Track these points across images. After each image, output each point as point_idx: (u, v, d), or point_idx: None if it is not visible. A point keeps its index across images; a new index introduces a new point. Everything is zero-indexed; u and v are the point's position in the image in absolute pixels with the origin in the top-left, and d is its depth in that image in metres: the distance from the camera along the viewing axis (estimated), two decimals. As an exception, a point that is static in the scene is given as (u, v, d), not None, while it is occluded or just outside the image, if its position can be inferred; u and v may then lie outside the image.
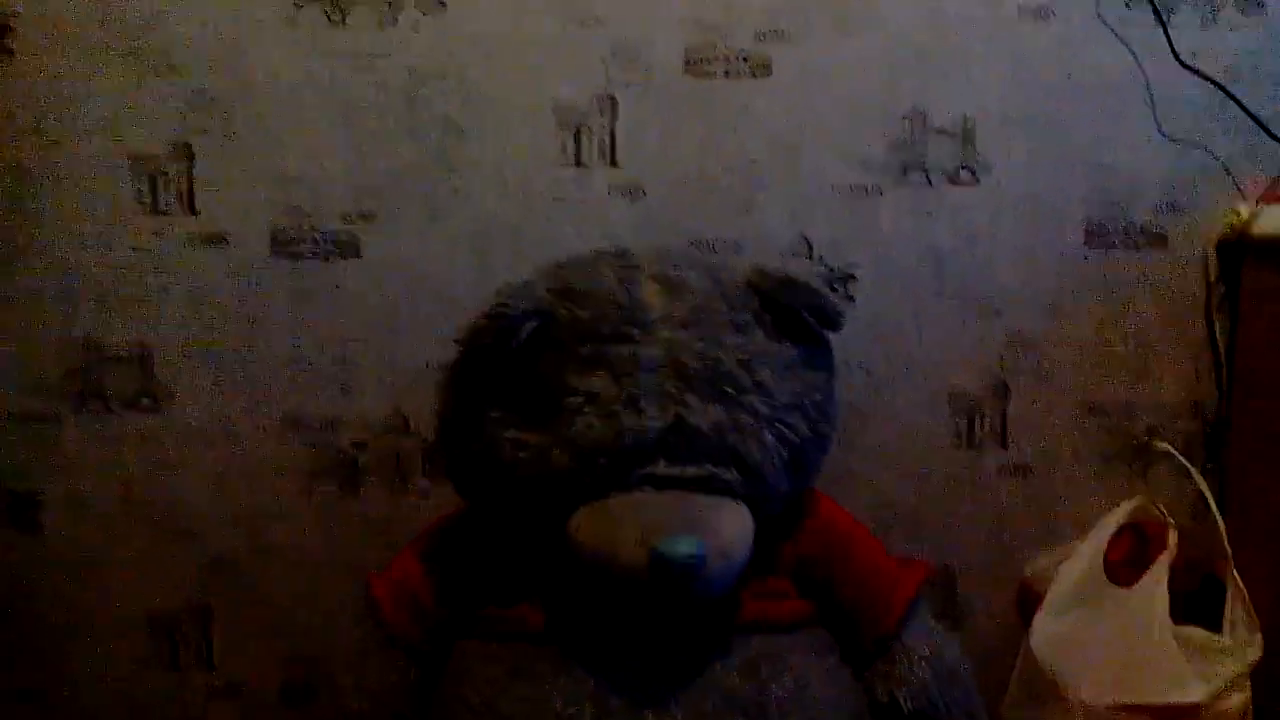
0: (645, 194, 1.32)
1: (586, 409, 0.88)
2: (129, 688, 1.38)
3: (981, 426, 1.34)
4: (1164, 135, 1.31)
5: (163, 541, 1.36)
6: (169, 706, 1.38)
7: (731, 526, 0.88)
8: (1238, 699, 1.09)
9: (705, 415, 0.88)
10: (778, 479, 0.92)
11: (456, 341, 0.94)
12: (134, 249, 1.32)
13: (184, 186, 1.32)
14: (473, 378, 0.95)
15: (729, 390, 0.89)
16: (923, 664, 0.98)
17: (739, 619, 0.93)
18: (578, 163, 1.31)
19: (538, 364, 0.91)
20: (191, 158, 1.31)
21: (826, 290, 0.96)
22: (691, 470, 0.88)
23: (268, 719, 1.38)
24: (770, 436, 0.91)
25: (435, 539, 1.03)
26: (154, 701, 1.38)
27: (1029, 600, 1.21)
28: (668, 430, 0.87)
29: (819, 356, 0.98)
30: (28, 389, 1.34)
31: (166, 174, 1.31)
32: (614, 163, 1.31)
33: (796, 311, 0.94)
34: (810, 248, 1.32)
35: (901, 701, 0.96)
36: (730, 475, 0.89)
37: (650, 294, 0.92)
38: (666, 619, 0.89)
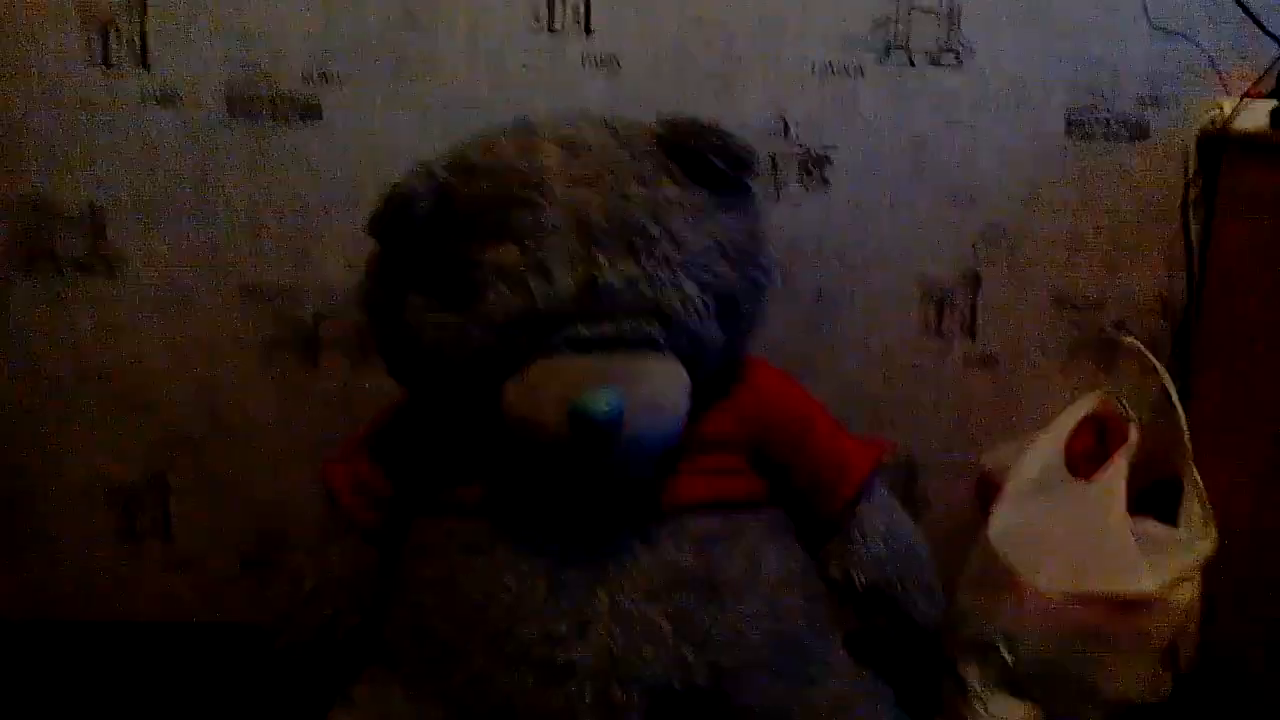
0: (620, 67, 1.27)
1: (497, 281, 0.86)
2: (85, 560, 1.38)
3: (951, 316, 1.34)
4: (1152, 25, 1.28)
5: (117, 411, 1.34)
6: (126, 578, 1.38)
7: (658, 379, 0.86)
8: (1188, 591, 1.11)
9: (617, 271, 0.86)
10: (707, 329, 0.90)
11: (365, 230, 0.91)
12: (83, 103, 1.26)
13: (137, 39, 1.25)
14: (388, 263, 0.93)
15: (638, 242, 0.87)
16: (877, 540, 0.98)
17: (689, 496, 0.92)
18: (550, 29, 1.26)
19: (445, 243, 0.88)
20: (145, 8, 1.25)
21: (733, 133, 0.92)
22: (610, 328, 0.86)
23: (226, 591, 1.38)
24: (689, 284, 0.88)
25: (382, 425, 1.02)
26: (111, 573, 1.38)
27: (987, 490, 1.22)
28: (580, 291, 0.85)
29: (739, 201, 0.95)
30: (-26, 250, 1.29)
31: (118, 26, 1.25)
32: (589, 30, 1.26)
33: (704, 156, 0.90)
34: (787, 128, 1.28)
35: (855, 578, 0.97)
36: (652, 328, 0.87)
37: (549, 157, 0.89)
38: (602, 482, 0.89)
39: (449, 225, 0.88)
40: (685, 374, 0.88)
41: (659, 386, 0.86)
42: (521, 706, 0.86)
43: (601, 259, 0.86)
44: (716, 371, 0.95)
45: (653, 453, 0.88)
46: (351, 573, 0.98)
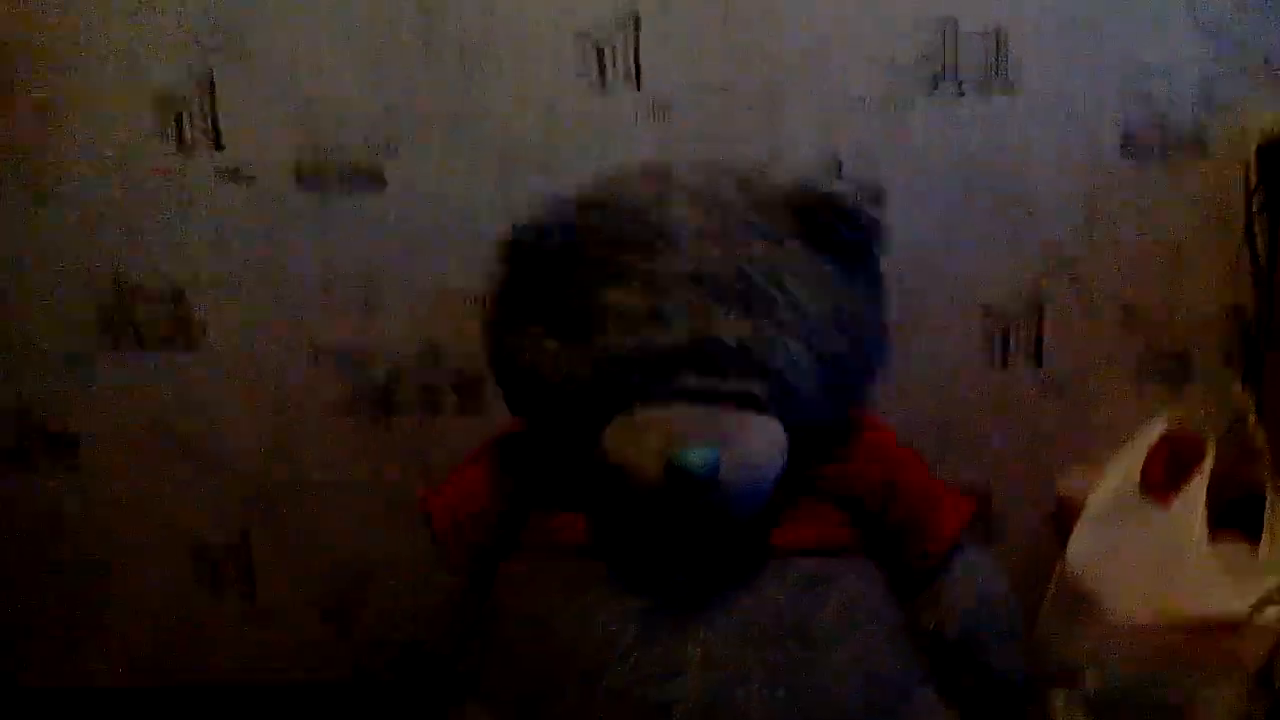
0: (670, 115, 1.29)
1: (614, 323, 0.88)
2: (172, 620, 1.42)
3: (1015, 341, 1.33)
4: (1203, 32, 1.26)
5: (200, 475, 1.38)
6: (212, 635, 1.42)
7: (757, 438, 0.87)
8: (1277, 611, 1.08)
9: (731, 329, 0.87)
10: (811, 394, 0.91)
11: (495, 256, 0.94)
12: (160, 184, 1.32)
13: (208, 119, 1.31)
14: (509, 290, 0.96)
15: (757, 304, 0.88)
16: (969, 595, 0.98)
17: (785, 543, 0.92)
18: (601, 82, 1.29)
19: (569, 276, 0.90)
20: (213, 91, 1.30)
21: (860, 205, 0.93)
22: (717, 383, 0.87)
23: (309, 643, 1.41)
24: (800, 349, 0.90)
25: (484, 456, 1.03)
26: (197, 631, 1.42)
27: (1065, 517, 1.20)
28: (693, 344, 0.87)
29: (860, 272, 0.96)
30: (60, 327, 1.35)
31: (190, 109, 1.31)
32: (638, 84, 1.28)
33: (833, 226, 0.92)
34: (839, 162, 1.29)
35: (945, 632, 0.97)
36: (758, 389, 0.88)
37: (681, 207, 0.91)
38: (694, 533, 0.89)
39: (576, 261, 0.90)
40: (784, 435, 0.89)
41: (757, 446, 0.87)
42: (614, 745, 0.86)
43: (719, 315, 0.87)
44: (821, 431, 0.95)
45: (746, 509, 0.88)
46: (444, 600, 0.99)
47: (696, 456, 0.82)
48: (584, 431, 0.90)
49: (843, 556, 0.95)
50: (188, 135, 1.31)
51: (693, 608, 0.88)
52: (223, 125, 1.31)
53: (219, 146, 1.31)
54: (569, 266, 0.91)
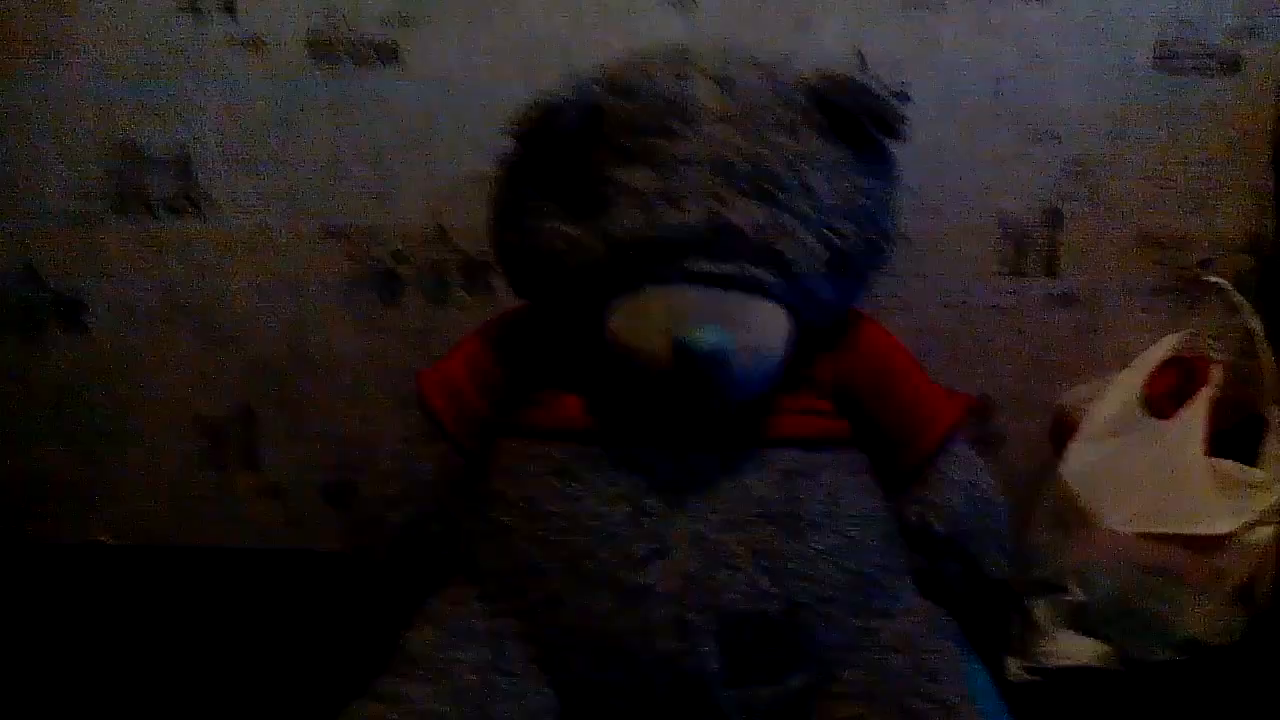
0: (697, 5, 1.27)
1: (625, 201, 0.87)
2: (176, 487, 1.44)
3: (1031, 254, 1.31)
4: (1245, -48, 1.23)
5: (206, 346, 1.39)
6: (215, 505, 1.44)
7: (765, 324, 0.87)
8: (1266, 532, 1.09)
9: (745, 214, 0.87)
10: (820, 284, 0.91)
11: (507, 133, 0.92)
12: (171, 51, 1.30)
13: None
14: (520, 169, 0.94)
15: (772, 190, 0.87)
16: (956, 491, 0.98)
17: (775, 433, 0.93)
18: (625, -33, 1.26)
19: (583, 156, 0.89)
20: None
21: (888, 96, 0.92)
22: (728, 267, 0.87)
23: (310, 518, 1.43)
24: (813, 239, 0.89)
25: (485, 334, 1.03)
26: (200, 500, 1.44)
27: (1064, 428, 1.21)
28: (705, 227, 0.86)
29: (877, 164, 0.95)
30: (70, 191, 1.35)
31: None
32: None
33: (853, 115, 0.90)
34: (864, 64, 1.27)
35: (931, 525, 0.97)
36: (768, 275, 0.88)
37: (701, 90, 0.89)
38: (697, 415, 0.90)
39: (591, 139, 0.89)
40: (791, 322, 0.89)
41: (765, 330, 0.87)
42: (596, 626, 0.88)
43: (731, 199, 0.87)
44: (821, 322, 0.95)
45: (750, 393, 0.88)
46: (438, 480, 1.00)
47: (709, 337, 0.82)
48: (590, 311, 0.89)
49: (832, 448, 0.95)
50: (202, 2, 1.29)
51: (681, 492, 0.89)
52: (238, -8, 1.28)
53: (232, 13, 1.29)
54: (583, 145, 0.89)
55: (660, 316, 0.85)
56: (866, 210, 0.93)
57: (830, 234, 0.90)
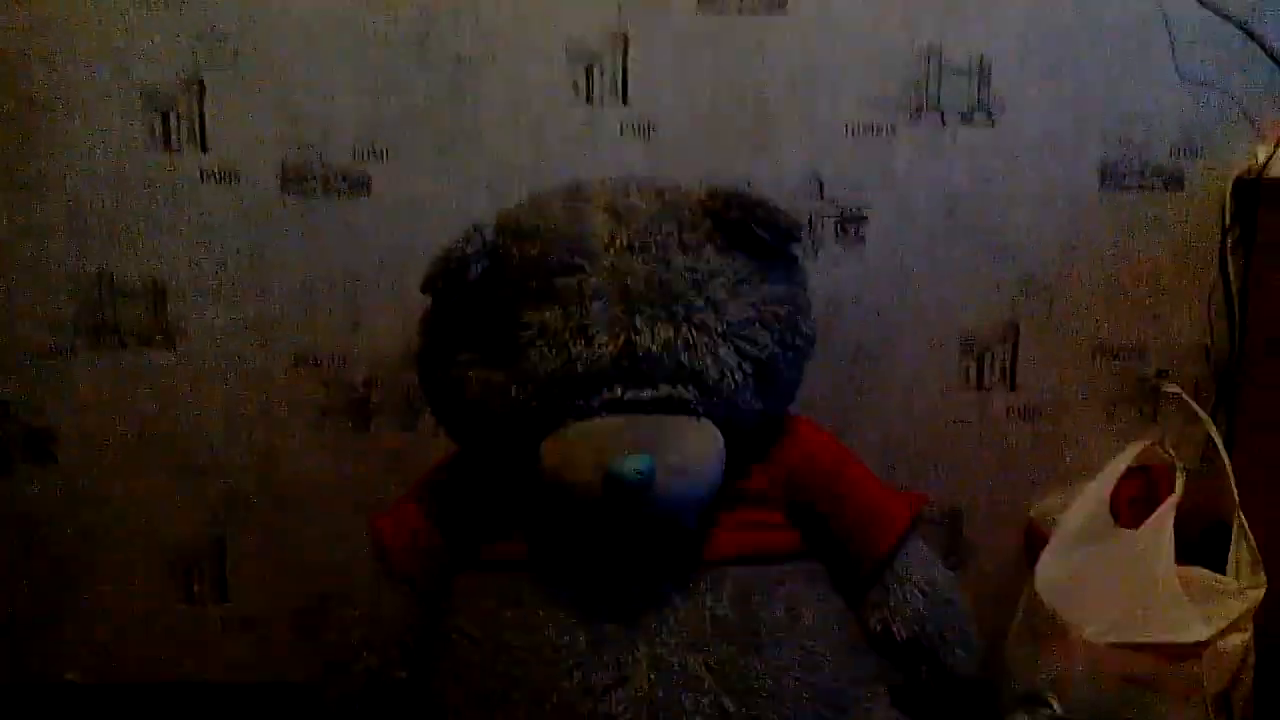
0: (657, 132, 1.31)
1: (539, 342, 0.89)
2: (146, 621, 1.41)
3: (991, 369, 1.34)
4: (1182, 76, 1.29)
5: (177, 477, 1.38)
6: (185, 638, 1.41)
7: (690, 443, 0.88)
8: (1239, 639, 1.10)
9: (655, 337, 0.89)
10: (743, 395, 0.92)
11: (420, 288, 0.95)
12: (143, 183, 1.32)
13: (196, 121, 1.31)
14: (438, 320, 0.97)
15: (679, 310, 0.90)
16: (916, 592, 0.98)
17: (727, 550, 0.93)
18: (589, 100, 1.30)
19: (492, 302, 0.92)
20: (203, 92, 1.30)
21: (777, 204, 0.94)
22: (648, 393, 0.89)
23: (282, 650, 1.40)
24: (728, 352, 0.91)
25: (431, 480, 1.05)
26: (170, 633, 1.41)
27: (1035, 540, 1.22)
28: (619, 356, 0.88)
29: (782, 271, 0.97)
30: (42, 324, 1.35)
31: (178, 110, 1.31)
32: (625, 100, 1.30)
33: (748, 226, 0.93)
34: (822, 187, 1.31)
35: (894, 630, 0.97)
36: (688, 394, 0.89)
37: (598, 223, 0.92)
38: (633, 540, 0.90)
39: (498, 286, 0.92)
40: (719, 437, 0.90)
41: (691, 451, 0.88)
42: (565, 759, 0.86)
43: (641, 325, 0.89)
44: (755, 431, 0.96)
45: (683, 513, 0.89)
46: (399, 625, 1.00)
47: (630, 464, 0.83)
48: (516, 451, 0.91)
49: (786, 560, 0.96)
50: (174, 136, 1.32)
51: (637, 617, 0.89)
52: (209, 127, 1.31)
53: (205, 148, 1.32)
54: (490, 291, 0.92)
55: (586, 450, 0.86)
56: (780, 317, 0.95)
57: (745, 344, 0.92)
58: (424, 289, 0.94)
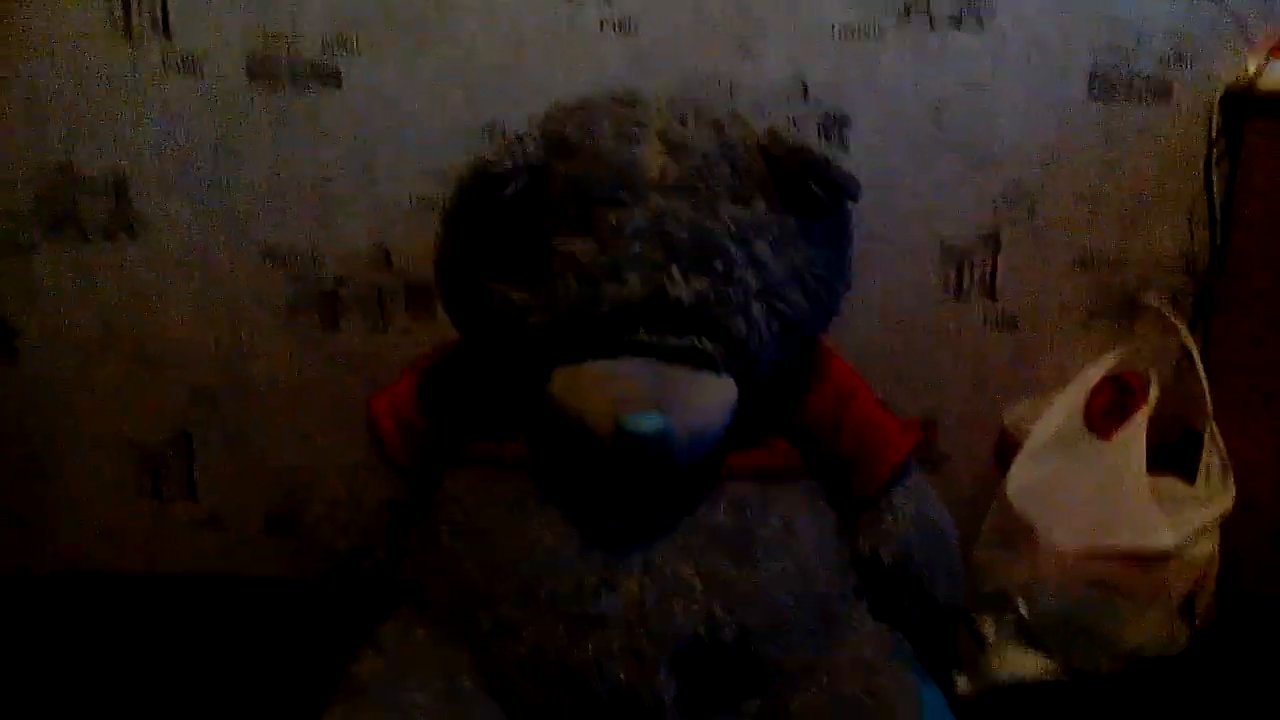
0: (638, 30, 1.27)
1: (569, 272, 0.85)
2: (112, 517, 1.40)
3: (971, 277, 1.33)
4: (1176, -16, 1.27)
5: (142, 372, 1.36)
6: (153, 536, 1.40)
7: (707, 401, 0.86)
8: (1206, 546, 1.11)
9: (689, 287, 0.85)
10: (765, 351, 0.90)
11: (452, 198, 0.91)
12: (105, 73, 1.28)
13: (158, 8, 1.27)
14: (464, 225, 0.92)
15: (718, 263, 0.86)
16: (907, 522, 0.98)
17: (730, 468, 0.92)
18: (569, -8, 1.26)
19: (528, 219, 0.87)
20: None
21: (838, 163, 0.89)
22: (671, 341, 0.86)
23: (251, 548, 1.40)
24: (759, 312, 0.88)
25: (432, 367, 1.02)
26: (137, 531, 1.40)
27: (1007, 448, 1.22)
28: (648, 300, 0.85)
29: (829, 229, 0.93)
30: (2, 216, 1.32)
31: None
32: (607, -2, 1.26)
33: (806, 185, 0.88)
34: (806, 90, 1.28)
35: (882, 555, 0.97)
36: (712, 348, 0.86)
37: (650, 154, 0.87)
38: (640, 487, 0.89)
39: (534, 203, 0.87)
40: (735, 393, 0.87)
41: (707, 407, 0.86)
42: (549, 655, 0.87)
43: (677, 274, 0.85)
44: (770, 380, 0.94)
45: (688, 463, 0.86)
46: (385, 508, 0.99)
47: (647, 425, 0.80)
48: (530, 371, 0.88)
49: (784, 477, 0.95)
50: (136, 23, 1.27)
51: (632, 523, 0.88)
52: (172, 15, 1.27)
53: (168, 35, 1.27)
54: (529, 210, 0.87)
55: (602, 394, 0.84)
56: (819, 279, 0.92)
57: (779, 304, 0.89)
58: (458, 194, 0.89)
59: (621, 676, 0.85)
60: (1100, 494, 1.12)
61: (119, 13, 1.27)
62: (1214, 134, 1.28)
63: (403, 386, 1.01)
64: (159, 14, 1.27)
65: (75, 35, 1.27)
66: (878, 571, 0.98)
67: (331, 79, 1.28)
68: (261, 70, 1.28)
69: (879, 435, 1.00)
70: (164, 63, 1.28)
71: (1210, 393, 1.16)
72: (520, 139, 0.87)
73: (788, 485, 0.95)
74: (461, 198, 0.89)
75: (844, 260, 0.96)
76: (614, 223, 0.85)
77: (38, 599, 1.34)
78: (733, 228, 0.86)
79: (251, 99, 1.29)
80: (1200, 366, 1.18)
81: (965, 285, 1.34)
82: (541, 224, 0.87)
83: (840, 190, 0.89)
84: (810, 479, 0.97)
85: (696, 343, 0.86)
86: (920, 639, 1.01)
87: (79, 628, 1.27)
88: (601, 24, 1.27)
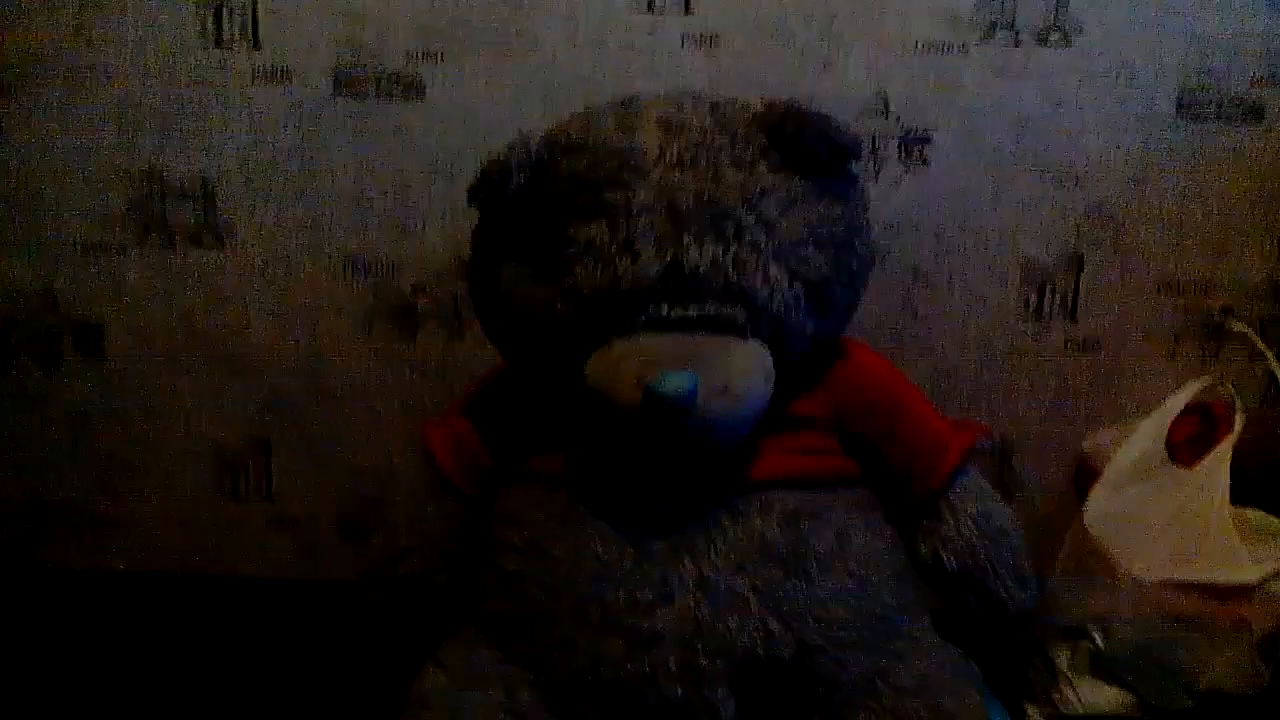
0: (719, 44, 1.27)
1: (585, 258, 0.87)
2: (191, 516, 1.43)
3: (1052, 298, 1.31)
4: (1268, 1, 1.23)
5: (223, 376, 1.39)
6: (230, 536, 1.43)
7: (737, 364, 0.86)
8: (1291, 581, 1.09)
9: (702, 254, 0.86)
10: (794, 316, 0.90)
11: (467, 199, 0.93)
12: (195, 81, 1.31)
13: (249, 19, 1.29)
14: (484, 232, 0.95)
15: (728, 227, 0.87)
16: (969, 523, 0.96)
17: (777, 473, 0.92)
18: (650, 8, 1.27)
19: (538, 215, 0.90)
20: (256, -11, 1.28)
21: (836, 120, 0.90)
22: (694, 310, 0.86)
23: (324, 551, 1.42)
24: (777, 270, 0.88)
25: (479, 391, 1.04)
26: (215, 531, 1.43)
27: (1086, 475, 1.20)
28: (665, 272, 0.86)
29: (839, 190, 0.93)
30: (91, 218, 1.35)
31: (230, 6, 1.29)
32: (688, 9, 1.26)
33: (804, 143, 0.89)
34: (887, 106, 1.27)
35: (945, 559, 0.96)
36: (737, 313, 0.87)
37: (649, 137, 0.89)
38: (675, 457, 0.89)
39: (544, 199, 0.90)
40: (768, 358, 0.88)
41: (736, 370, 0.86)
42: (607, 671, 0.87)
43: (689, 242, 0.86)
44: (808, 354, 0.94)
45: (726, 434, 0.87)
46: (444, 533, 1.00)
47: (672, 382, 0.81)
48: (561, 366, 0.89)
49: (838, 487, 0.94)
50: (226, 33, 1.30)
51: (684, 535, 0.88)
52: (262, 24, 1.29)
53: (257, 46, 1.30)
54: (535, 204, 0.89)
55: (629, 366, 0.84)
56: (835, 237, 0.92)
57: (796, 264, 0.89)
58: (468, 200, 0.92)
59: (679, 692, 0.85)
60: (1181, 524, 1.10)
61: (210, 24, 1.30)
62: (1307, 156, 1.25)
63: (454, 414, 1.03)
64: (249, 25, 1.29)
65: (168, 45, 1.30)
66: (941, 577, 0.96)
67: (415, 89, 1.30)
68: (346, 80, 1.30)
69: (935, 434, 0.98)
70: (253, 72, 1.31)
71: (1298, 423, 1.14)
72: (524, 137, 0.90)
73: (841, 494, 0.94)
74: (474, 198, 0.92)
75: (861, 222, 0.96)
76: (621, 203, 0.87)
77: (113, 595, 1.38)
78: (741, 192, 0.87)
79: (336, 108, 1.31)
80: (1288, 396, 1.15)
81: (1046, 307, 1.32)
82: (552, 218, 0.89)
83: (838, 146, 0.90)
84: (864, 486, 0.97)
85: (719, 308, 0.86)
86: (990, 659, 1.00)
87: (154, 626, 1.31)
88: (683, 38, 1.27)
